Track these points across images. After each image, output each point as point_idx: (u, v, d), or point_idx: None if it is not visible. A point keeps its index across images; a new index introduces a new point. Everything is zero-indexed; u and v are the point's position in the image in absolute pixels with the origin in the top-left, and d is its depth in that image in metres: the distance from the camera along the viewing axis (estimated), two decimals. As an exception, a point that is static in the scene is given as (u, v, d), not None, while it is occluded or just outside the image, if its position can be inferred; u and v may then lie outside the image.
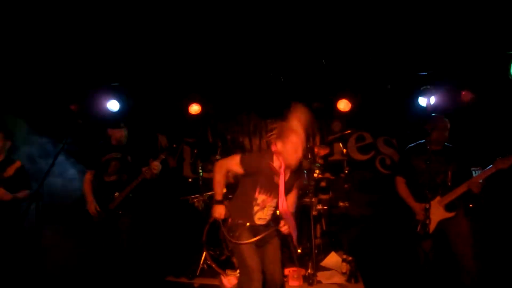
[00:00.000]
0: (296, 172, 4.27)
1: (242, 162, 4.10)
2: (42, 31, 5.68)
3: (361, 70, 6.69)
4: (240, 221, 4.19)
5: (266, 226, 4.26)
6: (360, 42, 6.04)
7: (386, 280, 5.97)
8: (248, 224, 4.17)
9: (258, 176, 4.12)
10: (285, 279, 5.58)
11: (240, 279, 4.39)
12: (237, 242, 4.10)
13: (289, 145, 3.94)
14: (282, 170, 4.06)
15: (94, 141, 5.99)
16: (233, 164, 4.15)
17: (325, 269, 6.35)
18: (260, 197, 4.15)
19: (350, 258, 6.10)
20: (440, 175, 5.02)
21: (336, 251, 6.66)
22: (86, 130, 6.40)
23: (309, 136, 7.97)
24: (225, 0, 5.12)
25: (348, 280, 5.94)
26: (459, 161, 5.03)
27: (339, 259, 6.31)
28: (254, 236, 4.10)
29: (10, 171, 5.25)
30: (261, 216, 4.21)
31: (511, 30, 5.32)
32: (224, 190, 4.87)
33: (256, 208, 4.17)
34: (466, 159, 5.07)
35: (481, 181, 4.72)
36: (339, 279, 6.01)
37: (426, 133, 5.11)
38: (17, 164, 5.35)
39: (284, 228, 4.19)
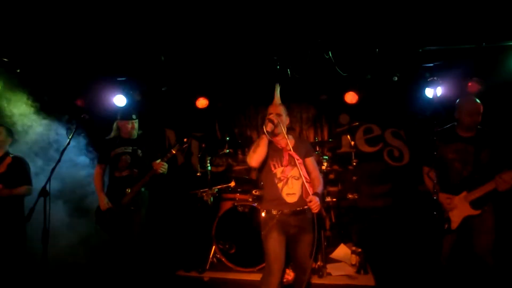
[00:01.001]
0: (300, 142, 4.58)
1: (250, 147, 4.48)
2: (50, 25, 5.68)
3: (368, 62, 6.66)
4: (272, 212, 4.33)
5: (297, 213, 4.32)
6: (366, 34, 6.02)
7: (395, 272, 5.98)
8: (279, 213, 4.30)
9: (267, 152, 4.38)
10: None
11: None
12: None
13: (267, 116, 4.43)
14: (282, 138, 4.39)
15: (102, 134, 5.99)
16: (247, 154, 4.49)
17: (334, 261, 6.37)
18: (278, 170, 4.37)
19: (359, 250, 6.11)
20: (467, 167, 4.63)
21: (345, 243, 6.68)
22: (93, 124, 6.42)
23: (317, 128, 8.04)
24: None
25: (358, 272, 5.95)
26: (491, 148, 4.60)
27: (348, 251, 6.33)
28: (284, 232, 4.29)
29: (2, 167, 5.27)
30: (289, 191, 4.33)
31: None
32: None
33: (280, 184, 4.35)
34: (501, 144, 4.61)
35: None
36: (349, 271, 6.03)
37: (439, 126, 4.85)
38: (8, 160, 5.34)
39: (312, 204, 4.11)
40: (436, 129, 4.89)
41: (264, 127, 4.27)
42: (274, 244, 4.26)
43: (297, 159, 4.30)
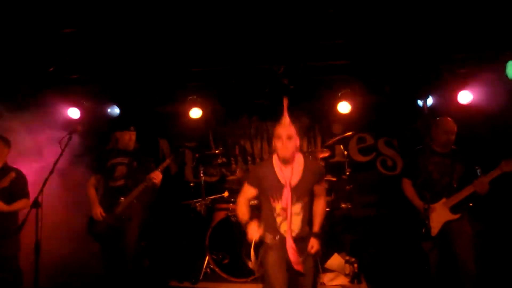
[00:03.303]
0: (311, 171, 4.07)
1: (249, 181, 4.21)
2: (44, 33, 5.65)
3: (361, 72, 6.70)
4: (268, 238, 4.07)
5: (297, 240, 3.98)
6: (358, 44, 6.05)
7: (389, 281, 5.98)
8: (275, 239, 4.02)
9: (265, 184, 4.07)
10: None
11: None
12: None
13: (276, 139, 3.96)
14: (287, 170, 3.99)
15: (99, 145, 5.97)
16: (245, 190, 4.24)
17: (328, 270, 6.37)
18: (277, 206, 3.99)
19: (353, 259, 6.12)
20: (446, 177, 5.00)
21: (339, 253, 6.66)
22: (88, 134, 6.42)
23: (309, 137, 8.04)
24: (228, 3, 5.13)
25: (352, 282, 5.96)
26: (465, 163, 5.00)
27: (342, 261, 6.33)
28: (282, 258, 3.95)
29: (5, 182, 5.15)
30: (287, 228, 3.96)
31: (507, 31, 5.32)
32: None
33: (278, 219, 4.02)
34: (472, 162, 5.02)
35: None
36: (342, 280, 6.03)
37: (430, 135, 5.15)
38: (11, 175, 5.21)
39: (313, 249, 4.02)
40: (416, 148, 5.35)
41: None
42: (273, 259, 3.98)
43: (298, 198, 3.97)
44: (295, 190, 3.95)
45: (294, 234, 3.96)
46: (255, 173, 4.18)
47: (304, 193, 4.03)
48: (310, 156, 6.57)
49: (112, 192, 5.53)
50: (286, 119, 4.00)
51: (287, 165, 3.99)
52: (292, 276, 4.01)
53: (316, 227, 4.18)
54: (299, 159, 4.04)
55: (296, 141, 3.97)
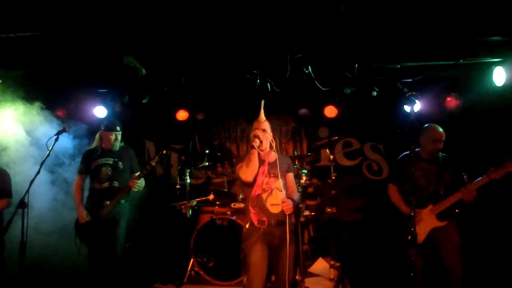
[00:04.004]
0: (283, 160, 4.73)
1: (237, 161, 4.74)
2: (33, 29, 5.60)
3: (347, 76, 6.72)
4: (257, 224, 4.45)
5: (282, 223, 4.39)
6: (345, 48, 6.06)
7: (373, 286, 6.00)
8: (262, 228, 4.41)
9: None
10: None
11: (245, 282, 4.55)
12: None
13: (252, 131, 4.65)
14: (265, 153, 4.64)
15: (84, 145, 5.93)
16: (238, 169, 4.63)
17: (312, 275, 6.37)
18: (263, 181, 4.51)
19: (338, 264, 6.13)
20: (433, 184, 4.95)
21: (323, 257, 6.68)
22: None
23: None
24: (217, 5, 5.11)
25: (336, 286, 5.97)
26: (453, 170, 4.97)
27: (327, 265, 6.34)
28: (268, 245, 4.40)
29: None
30: (273, 202, 4.45)
31: (492, 38, 5.38)
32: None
33: (264, 195, 4.47)
34: (460, 169, 4.99)
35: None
36: (327, 285, 6.05)
37: (417, 141, 5.12)
38: None
39: (284, 204, 4.36)
40: (403, 153, 5.29)
41: (253, 143, 4.41)
42: (257, 256, 4.34)
43: (280, 173, 4.49)
44: (272, 165, 4.57)
45: (277, 211, 4.43)
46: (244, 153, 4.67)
47: (281, 170, 4.53)
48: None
49: (97, 195, 5.48)
50: (262, 116, 4.73)
51: (264, 152, 4.66)
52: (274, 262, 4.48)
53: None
54: (273, 154, 4.67)
55: (270, 136, 4.64)
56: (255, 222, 4.46)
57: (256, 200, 4.49)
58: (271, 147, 4.63)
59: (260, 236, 4.37)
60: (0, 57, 5.99)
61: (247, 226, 4.55)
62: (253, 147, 4.38)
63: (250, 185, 4.51)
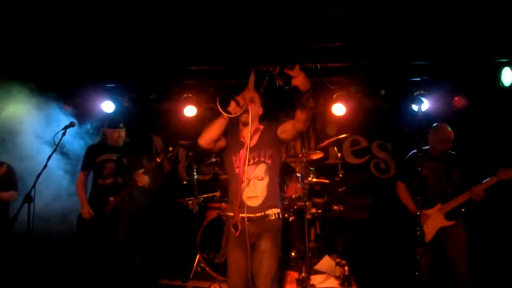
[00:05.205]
0: (266, 131, 4.12)
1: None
2: (37, 30, 5.62)
3: (357, 75, 6.70)
4: (231, 219, 3.93)
5: (257, 219, 3.90)
6: (354, 47, 6.05)
7: (379, 285, 5.99)
8: (238, 219, 3.84)
9: (229, 144, 4.12)
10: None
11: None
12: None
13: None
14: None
15: (89, 140, 5.94)
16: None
17: (318, 272, 6.37)
18: (240, 169, 3.94)
19: (344, 262, 6.11)
20: (441, 183, 4.94)
21: (330, 255, 6.67)
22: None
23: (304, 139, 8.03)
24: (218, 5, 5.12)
25: (342, 284, 5.95)
26: (462, 169, 4.94)
27: (333, 263, 6.33)
28: (244, 245, 3.81)
29: None
30: (250, 194, 3.91)
31: (501, 39, 5.34)
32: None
33: (242, 185, 3.89)
34: (469, 168, 4.96)
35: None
36: (333, 283, 6.03)
37: (425, 140, 5.10)
38: (2, 169, 5.28)
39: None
40: (412, 152, 5.24)
41: (228, 107, 3.75)
42: (232, 261, 3.98)
43: (259, 159, 3.96)
44: (253, 149, 3.98)
45: (255, 204, 3.90)
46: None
47: (263, 154, 3.98)
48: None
49: (101, 191, 5.47)
50: (251, 84, 4.18)
51: (246, 127, 3.97)
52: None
53: None
54: (256, 136, 4.08)
55: (258, 107, 4.11)
56: (230, 216, 3.99)
57: (232, 190, 4.01)
58: (260, 125, 4.13)
59: (235, 238, 3.88)
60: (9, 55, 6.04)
61: (224, 219, 4.20)
62: (227, 112, 3.72)
63: (204, 150, 4.09)
